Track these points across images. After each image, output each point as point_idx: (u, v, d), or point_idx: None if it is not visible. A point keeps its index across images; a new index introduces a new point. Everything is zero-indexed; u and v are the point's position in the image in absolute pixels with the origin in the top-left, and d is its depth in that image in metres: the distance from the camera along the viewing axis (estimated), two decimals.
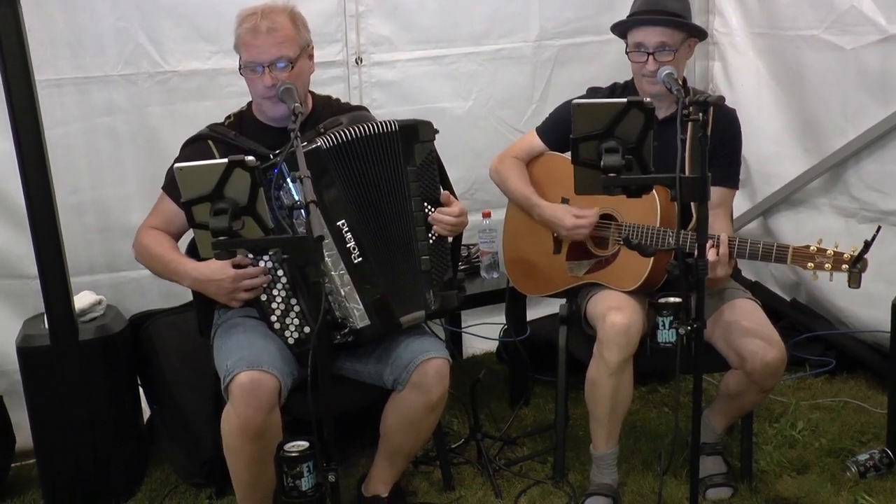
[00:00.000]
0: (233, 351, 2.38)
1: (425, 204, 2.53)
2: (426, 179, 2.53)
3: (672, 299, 2.23)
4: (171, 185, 2.52)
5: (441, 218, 2.52)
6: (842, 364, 3.57)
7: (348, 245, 2.43)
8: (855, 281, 2.30)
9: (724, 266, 2.46)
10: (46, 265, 2.69)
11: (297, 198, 2.31)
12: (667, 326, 2.24)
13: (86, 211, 3.16)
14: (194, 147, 2.55)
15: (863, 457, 2.87)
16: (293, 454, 2.03)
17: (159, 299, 3.25)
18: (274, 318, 2.45)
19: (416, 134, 2.51)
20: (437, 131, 2.55)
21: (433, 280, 2.54)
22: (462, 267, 3.36)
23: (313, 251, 1.90)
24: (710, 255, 2.39)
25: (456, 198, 2.59)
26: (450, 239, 2.57)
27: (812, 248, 2.35)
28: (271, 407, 2.30)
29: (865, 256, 2.29)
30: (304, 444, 2.05)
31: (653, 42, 2.63)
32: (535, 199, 2.87)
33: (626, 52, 2.74)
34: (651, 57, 2.63)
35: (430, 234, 2.54)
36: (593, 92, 2.91)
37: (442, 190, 2.57)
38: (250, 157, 1.98)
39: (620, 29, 2.75)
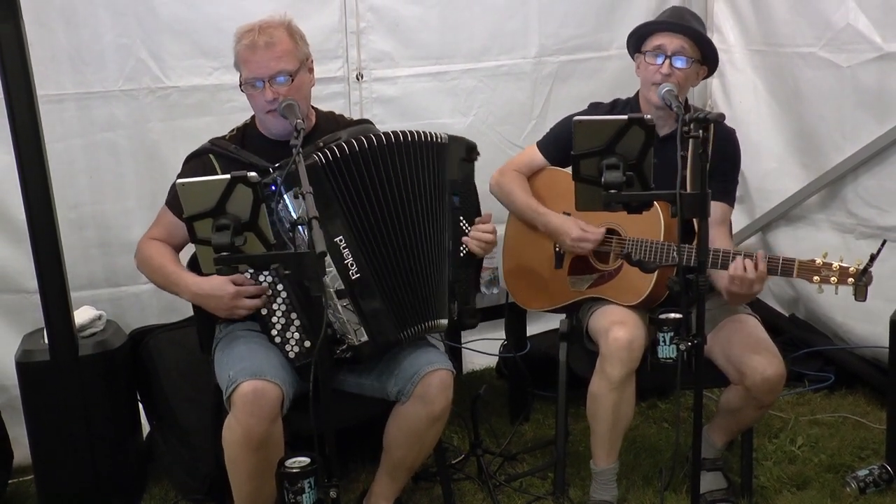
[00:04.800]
0: (235, 361, 2.38)
1: (461, 219, 2.56)
2: (465, 196, 2.57)
3: (673, 315, 2.24)
4: (174, 201, 2.52)
5: (478, 235, 2.56)
6: (841, 379, 3.58)
7: (346, 261, 2.42)
8: (861, 294, 2.31)
9: (759, 283, 2.43)
10: (46, 280, 2.69)
11: (294, 214, 2.30)
12: (667, 342, 2.25)
13: (86, 226, 3.17)
14: (196, 162, 2.55)
15: (862, 472, 2.87)
16: (294, 470, 2.02)
17: (159, 314, 3.26)
18: (274, 332, 2.44)
19: (460, 149, 2.57)
20: (478, 154, 2.62)
21: (455, 294, 2.56)
22: None
23: (315, 267, 1.91)
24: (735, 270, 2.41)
25: None
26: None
27: (817, 261, 2.36)
28: (274, 416, 2.30)
29: (871, 269, 2.30)
30: (305, 459, 2.04)
31: (673, 46, 2.65)
32: (541, 209, 2.87)
33: (636, 64, 2.75)
34: (668, 60, 2.64)
35: (461, 249, 2.56)
36: (595, 107, 2.92)
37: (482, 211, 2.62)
38: (252, 174, 1.98)
39: (642, 32, 2.74)
